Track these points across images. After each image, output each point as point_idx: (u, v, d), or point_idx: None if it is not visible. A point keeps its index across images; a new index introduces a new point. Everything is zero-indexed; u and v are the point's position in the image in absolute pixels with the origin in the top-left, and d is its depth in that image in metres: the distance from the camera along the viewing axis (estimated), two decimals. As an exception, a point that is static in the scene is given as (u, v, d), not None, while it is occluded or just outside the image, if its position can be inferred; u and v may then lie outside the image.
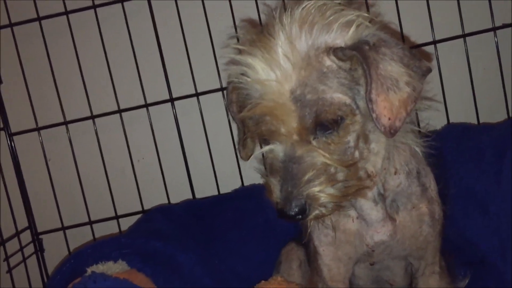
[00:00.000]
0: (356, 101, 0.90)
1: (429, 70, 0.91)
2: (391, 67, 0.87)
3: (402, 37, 1.61)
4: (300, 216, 0.88)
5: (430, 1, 1.60)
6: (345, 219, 1.05)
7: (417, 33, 1.64)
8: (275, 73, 0.88)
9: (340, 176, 0.90)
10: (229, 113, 1.11)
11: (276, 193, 0.89)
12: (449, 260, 1.18)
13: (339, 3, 0.97)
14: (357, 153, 0.93)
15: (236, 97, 1.04)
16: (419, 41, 1.62)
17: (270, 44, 0.90)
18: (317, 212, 0.89)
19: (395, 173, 1.02)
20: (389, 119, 0.87)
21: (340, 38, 0.91)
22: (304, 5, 0.93)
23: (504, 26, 1.59)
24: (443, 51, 1.63)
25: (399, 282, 1.17)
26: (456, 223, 1.29)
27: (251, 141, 1.08)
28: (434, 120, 1.59)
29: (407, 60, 0.89)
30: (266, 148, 0.93)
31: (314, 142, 0.89)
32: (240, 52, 0.95)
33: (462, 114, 1.66)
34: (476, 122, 1.63)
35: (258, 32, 0.95)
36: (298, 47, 0.89)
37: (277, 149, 0.91)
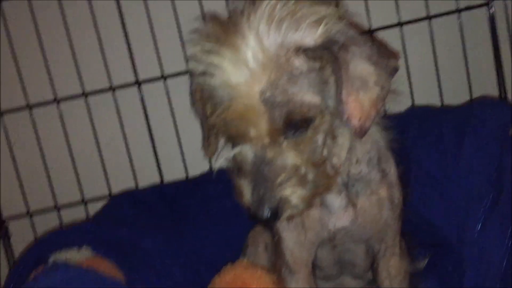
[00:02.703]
0: (325, 101, 0.90)
1: (397, 69, 0.91)
2: (361, 66, 0.87)
3: (368, 21, 1.61)
4: (273, 219, 0.88)
5: (395, -16, 1.61)
6: None
7: (383, 15, 1.64)
8: (244, 74, 0.86)
9: (310, 176, 0.90)
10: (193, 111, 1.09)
11: (248, 196, 0.89)
12: (409, 241, 1.21)
13: None
14: (325, 151, 0.94)
15: (200, 95, 1.03)
16: (385, 23, 1.63)
17: (237, 43, 0.87)
18: (289, 213, 0.89)
19: (357, 162, 1.03)
20: (360, 119, 0.87)
21: (310, 36, 0.89)
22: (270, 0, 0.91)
23: (468, 8, 1.61)
24: (408, 33, 1.64)
25: (360, 263, 1.19)
26: (416, 205, 1.32)
27: (215, 138, 1.07)
28: (399, 102, 1.60)
29: (375, 59, 0.88)
30: (235, 150, 0.91)
31: (284, 143, 0.89)
32: (205, 49, 0.92)
33: (427, 96, 1.68)
34: (440, 104, 1.65)
35: (223, 28, 0.92)
36: (267, 47, 0.87)
37: (247, 151, 0.90)
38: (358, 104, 0.86)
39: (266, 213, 0.87)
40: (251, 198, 0.88)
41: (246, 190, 0.89)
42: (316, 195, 0.92)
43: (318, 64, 0.89)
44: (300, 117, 0.87)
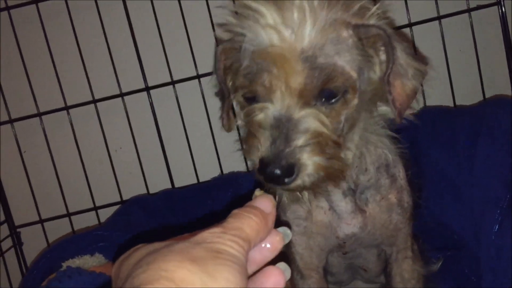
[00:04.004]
0: (359, 82, 0.88)
1: (427, 73, 0.92)
2: (403, 57, 0.89)
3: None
4: (285, 179, 0.80)
5: (405, -16, 1.60)
6: (317, 210, 1.04)
7: (393, 16, 1.63)
8: (288, 26, 0.83)
9: (329, 151, 0.85)
10: (216, 76, 1.04)
11: (265, 146, 0.81)
12: (422, 244, 1.19)
13: None
14: (341, 139, 0.90)
15: (225, 62, 0.99)
16: (395, 24, 1.62)
17: (286, 3, 0.85)
18: (300, 182, 0.82)
19: (366, 170, 1.01)
20: (400, 104, 0.88)
21: (357, 19, 0.89)
22: None
23: (479, 7, 1.59)
24: (419, 34, 1.62)
25: (372, 268, 1.17)
26: (431, 208, 1.30)
27: (232, 114, 1.05)
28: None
29: (412, 57, 0.90)
30: (259, 104, 0.86)
31: (313, 108, 0.84)
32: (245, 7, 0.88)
33: (439, 97, 1.66)
34: (452, 105, 1.64)
35: None
36: (316, 11, 0.85)
37: (271, 108, 0.84)
38: (402, 89, 0.87)
39: (282, 168, 0.79)
40: (268, 149, 0.81)
41: (265, 141, 0.82)
42: (328, 176, 0.85)
43: (361, 44, 0.88)
44: (339, 84, 0.84)
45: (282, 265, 0.63)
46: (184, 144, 1.71)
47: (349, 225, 1.03)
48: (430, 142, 1.36)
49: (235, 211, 0.62)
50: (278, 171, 0.79)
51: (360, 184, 1.02)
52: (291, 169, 0.80)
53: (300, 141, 0.81)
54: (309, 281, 1.13)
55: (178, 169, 1.73)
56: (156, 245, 0.55)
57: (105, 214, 1.66)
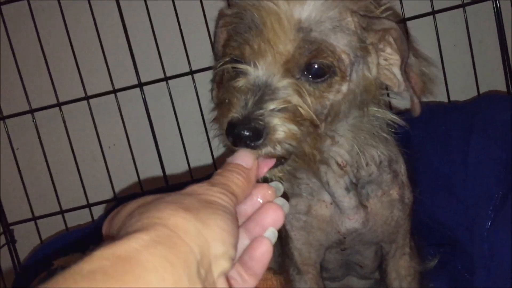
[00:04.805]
0: (351, 70, 0.87)
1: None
2: (412, 59, 0.90)
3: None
4: (251, 142, 0.76)
5: (399, -21, 1.59)
6: (318, 205, 1.04)
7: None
8: None
9: (303, 126, 0.82)
10: (214, 48, 1.04)
11: (237, 108, 0.79)
12: (418, 241, 1.19)
13: None
14: (323, 125, 0.87)
15: (226, 32, 0.99)
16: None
17: None
18: (269, 148, 0.78)
19: (367, 165, 1.00)
20: (419, 92, 0.91)
21: (368, 11, 0.89)
22: None
23: (473, 2, 1.58)
24: (413, 29, 1.61)
25: (369, 264, 1.18)
26: (425, 204, 1.30)
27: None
28: (405, 99, 1.58)
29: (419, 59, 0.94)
30: (242, 65, 0.85)
31: (295, 81, 0.83)
32: None
33: (433, 92, 1.65)
34: (446, 100, 1.63)
35: None
36: None
37: (253, 73, 0.83)
38: (418, 79, 0.90)
39: (250, 129, 0.76)
40: (239, 111, 0.79)
41: (238, 103, 0.80)
42: (300, 155, 0.83)
43: (362, 34, 0.87)
44: (327, 61, 0.83)
45: (280, 200, 0.64)
46: (178, 140, 1.70)
47: (351, 220, 1.03)
48: (424, 137, 1.36)
49: (219, 170, 0.63)
50: (246, 132, 0.76)
51: (361, 178, 1.02)
52: (258, 133, 0.77)
53: (273, 105, 0.79)
54: (306, 277, 1.12)
55: (172, 166, 1.72)
56: (147, 198, 0.56)
57: (99, 211, 1.66)
